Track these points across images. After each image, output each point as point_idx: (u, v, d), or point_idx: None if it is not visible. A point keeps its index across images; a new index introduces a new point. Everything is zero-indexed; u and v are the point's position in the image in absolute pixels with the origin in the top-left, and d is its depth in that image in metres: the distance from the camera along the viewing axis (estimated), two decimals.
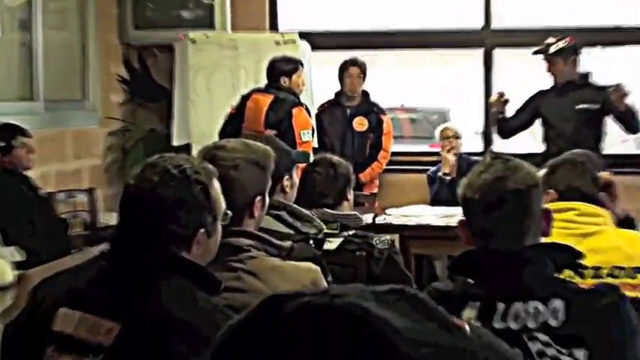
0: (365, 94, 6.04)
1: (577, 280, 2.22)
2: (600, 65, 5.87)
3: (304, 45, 6.14)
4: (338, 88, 6.07)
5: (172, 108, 6.22)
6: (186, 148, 5.69)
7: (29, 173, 4.85)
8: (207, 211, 1.90)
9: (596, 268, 2.37)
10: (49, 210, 4.94)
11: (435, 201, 5.64)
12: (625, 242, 2.47)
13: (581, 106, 5.29)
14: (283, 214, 2.70)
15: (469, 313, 1.83)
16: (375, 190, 5.98)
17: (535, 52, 5.42)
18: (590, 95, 5.31)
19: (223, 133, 5.02)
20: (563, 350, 1.78)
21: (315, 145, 5.47)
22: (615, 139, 6.57)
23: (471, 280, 1.90)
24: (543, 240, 1.98)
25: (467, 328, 0.90)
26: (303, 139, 5.05)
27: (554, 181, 2.60)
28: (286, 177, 2.82)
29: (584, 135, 5.21)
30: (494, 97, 5.58)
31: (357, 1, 8.15)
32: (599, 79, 5.43)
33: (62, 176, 5.79)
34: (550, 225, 1.97)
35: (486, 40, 6.21)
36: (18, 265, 3.95)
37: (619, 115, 5.21)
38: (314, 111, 5.79)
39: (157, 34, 6.40)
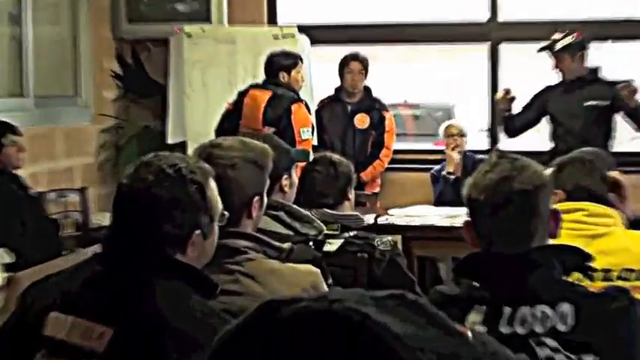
0: (366, 89, 5.97)
1: (586, 283, 2.19)
2: (610, 60, 5.82)
3: (303, 39, 6.09)
4: (338, 84, 5.99)
5: (167, 104, 6.19)
6: (181, 146, 5.68)
7: (19, 172, 4.83)
8: (203, 212, 1.89)
9: (606, 271, 2.34)
10: (39, 210, 4.91)
11: (438, 201, 5.61)
12: (635, 244, 2.44)
13: (590, 102, 5.26)
14: (282, 214, 2.70)
15: (475, 317, 1.82)
16: (377, 190, 5.93)
17: (541, 49, 5.35)
18: (600, 91, 5.27)
19: (220, 131, 4.99)
20: (572, 356, 1.77)
21: (315, 143, 5.40)
22: (625, 137, 6.55)
23: (476, 284, 1.89)
24: (551, 242, 1.96)
25: (469, 334, 0.89)
26: (303, 137, 4.99)
27: (562, 181, 2.56)
28: (285, 176, 2.83)
29: (592, 132, 5.18)
30: (500, 95, 5.53)
31: None
32: (609, 74, 5.38)
33: (53, 175, 5.77)
34: (558, 226, 1.96)
35: (492, 33, 6.17)
36: (7, 267, 3.92)
37: (629, 112, 5.17)
38: (313, 108, 5.74)
39: (151, 28, 6.35)
